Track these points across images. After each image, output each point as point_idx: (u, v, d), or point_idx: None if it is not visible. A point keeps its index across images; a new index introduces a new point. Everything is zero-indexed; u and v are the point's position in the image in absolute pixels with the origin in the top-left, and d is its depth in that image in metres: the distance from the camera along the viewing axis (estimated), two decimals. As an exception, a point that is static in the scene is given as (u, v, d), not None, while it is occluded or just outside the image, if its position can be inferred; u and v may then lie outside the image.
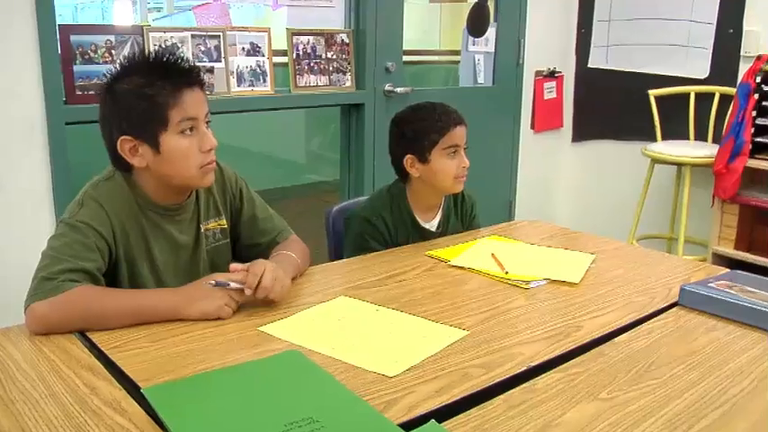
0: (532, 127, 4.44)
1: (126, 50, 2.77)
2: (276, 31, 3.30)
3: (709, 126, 3.90)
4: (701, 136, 3.94)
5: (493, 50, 4.14)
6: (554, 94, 4.48)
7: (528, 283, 1.77)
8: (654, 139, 3.98)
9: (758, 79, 3.50)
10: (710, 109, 3.87)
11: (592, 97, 4.50)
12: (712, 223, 3.75)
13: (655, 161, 3.87)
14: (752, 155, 3.53)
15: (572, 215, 4.66)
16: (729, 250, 3.70)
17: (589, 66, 4.46)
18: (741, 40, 3.81)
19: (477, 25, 4.09)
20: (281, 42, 3.29)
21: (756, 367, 1.37)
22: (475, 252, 2.00)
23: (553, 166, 4.67)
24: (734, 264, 3.63)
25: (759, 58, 3.54)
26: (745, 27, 3.79)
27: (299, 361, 1.32)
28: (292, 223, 1.93)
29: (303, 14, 3.40)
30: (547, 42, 4.41)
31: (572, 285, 1.78)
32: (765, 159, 3.51)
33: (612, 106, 4.39)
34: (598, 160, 4.57)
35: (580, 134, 4.61)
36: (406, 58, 3.85)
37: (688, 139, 3.96)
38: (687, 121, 3.95)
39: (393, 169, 2.18)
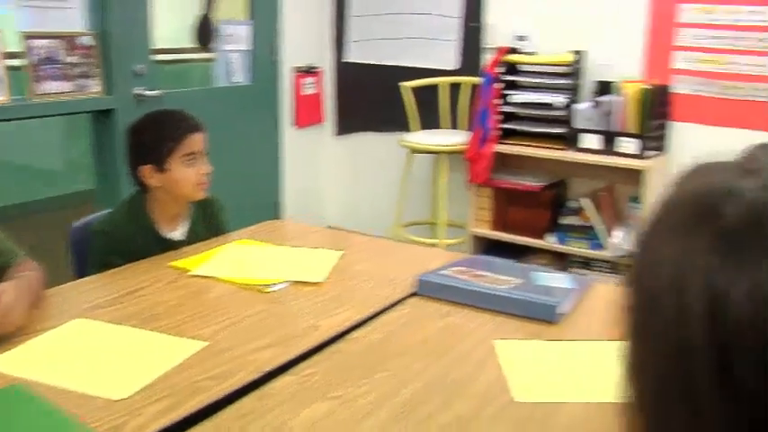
0: (294, 123, 4.46)
1: None
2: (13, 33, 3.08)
3: (460, 115, 4.10)
4: (455, 124, 4.14)
5: (248, 48, 4.10)
6: (314, 90, 4.52)
7: (270, 286, 1.77)
8: (411, 130, 4.12)
9: (499, 69, 3.72)
10: (462, 98, 4.07)
11: (351, 91, 4.59)
12: (469, 206, 3.95)
13: (414, 151, 4.02)
14: (501, 140, 3.75)
15: (341, 208, 4.74)
16: (486, 231, 3.92)
17: (346, 60, 4.55)
18: (483, 33, 4.05)
19: (202, 35, 4.17)
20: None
21: (480, 349, 1.46)
22: (219, 259, 1.97)
23: (318, 161, 4.72)
24: (491, 243, 3.87)
25: (499, 50, 3.77)
26: (486, 21, 4.03)
27: (21, 396, 1.25)
28: (45, 239, 1.81)
29: (39, 16, 3.18)
30: (304, 38, 4.44)
31: (315, 285, 1.79)
32: (512, 144, 3.75)
33: (371, 99, 4.50)
34: (362, 153, 4.67)
35: (343, 128, 4.69)
36: (162, 57, 3.73)
37: (443, 128, 4.14)
38: (441, 111, 4.13)
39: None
